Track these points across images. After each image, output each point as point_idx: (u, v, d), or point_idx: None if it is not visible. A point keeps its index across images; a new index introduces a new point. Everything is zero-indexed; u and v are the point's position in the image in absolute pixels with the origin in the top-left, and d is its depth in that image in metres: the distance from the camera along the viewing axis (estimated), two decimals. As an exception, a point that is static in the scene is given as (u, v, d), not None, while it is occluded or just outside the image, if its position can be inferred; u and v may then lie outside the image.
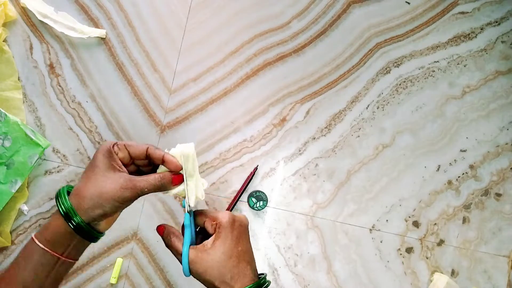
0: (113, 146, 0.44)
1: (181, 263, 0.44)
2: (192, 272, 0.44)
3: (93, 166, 0.43)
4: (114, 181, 0.42)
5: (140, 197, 0.49)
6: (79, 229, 0.42)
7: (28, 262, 0.41)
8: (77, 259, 0.45)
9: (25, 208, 0.70)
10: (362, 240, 0.71)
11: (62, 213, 0.41)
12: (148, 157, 0.45)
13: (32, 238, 0.42)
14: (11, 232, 0.70)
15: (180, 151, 0.45)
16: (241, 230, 0.45)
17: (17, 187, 0.67)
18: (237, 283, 0.43)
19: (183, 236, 0.46)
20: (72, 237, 0.42)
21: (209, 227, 0.46)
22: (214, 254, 0.43)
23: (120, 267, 0.70)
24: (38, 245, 0.41)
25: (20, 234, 0.70)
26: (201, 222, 0.47)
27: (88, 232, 0.42)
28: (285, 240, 0.71)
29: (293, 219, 0.72)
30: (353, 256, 0.71)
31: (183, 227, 0.46)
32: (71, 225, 0.41)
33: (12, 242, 0.70)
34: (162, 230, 0.47)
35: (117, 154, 0.44)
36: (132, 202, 0.43)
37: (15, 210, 0.69)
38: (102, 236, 0.45)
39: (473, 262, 0.71)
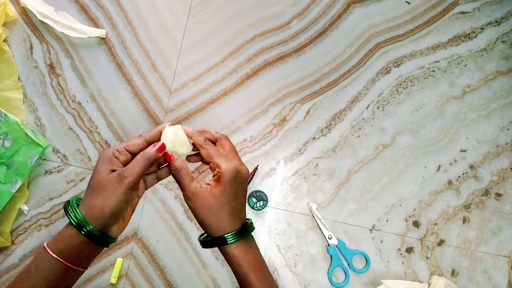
0: (113, 153, 0.45)
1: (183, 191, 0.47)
2: (187, 202, 0.46)
3: (95, 176, 0.44)
4: (112, 177, 0.43)
5: (141, 198, 0.50)
6: (92, 236, 0.42)
7: (39, 270, 0.42)
8: (86, 268, 0.45)
9: (25, 208, 0.70)
10: (362, 240, 0.71)
11: (74, 223, 0.42)
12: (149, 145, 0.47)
13: (44, 247, 0.43)
14: (11, 232, 0.70)
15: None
16: (240, 186, 0.47)
17: (17, 187, 0.67)
18: (222, 231, 0.45)
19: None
20: (85, 245, 0.43)
21: (212, 170, 0.47)
22: (209, 198, 0.45)
23: (120, 267, 0.70)
24: (51, 254, 0.42)
25: (20, 234, 0.70)
26: (205, 154, 0.48)
27: (101, 238, 0.43)
28: (285, 240, 0.71)
29: (293, 219, 0.71)
30: (353, 256, 0.71)
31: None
32: (83, 232, 0.42)
33: (12, 242, 0.70)
34: (169, 156, 0.48)
35: (118, 159, 0.45)
36: (135, 189, 0.44)
37: (15, 210, 0.69)
38: (114, 241, 0.46)
39: (473, 262, 0.71)
